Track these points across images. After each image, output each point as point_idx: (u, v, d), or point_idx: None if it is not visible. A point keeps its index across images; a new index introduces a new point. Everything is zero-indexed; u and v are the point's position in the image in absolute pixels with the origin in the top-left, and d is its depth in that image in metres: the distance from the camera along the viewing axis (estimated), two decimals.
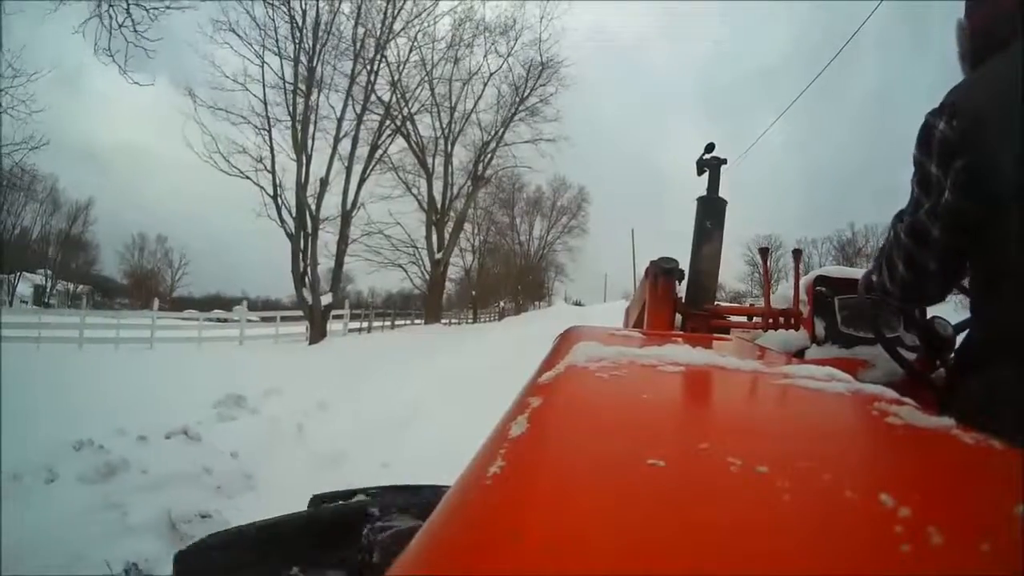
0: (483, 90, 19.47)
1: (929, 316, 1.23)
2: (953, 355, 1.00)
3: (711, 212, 1.88)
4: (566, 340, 0.67)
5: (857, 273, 1.56)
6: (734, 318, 1.97)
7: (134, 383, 6.19)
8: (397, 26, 16.22)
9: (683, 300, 1.86)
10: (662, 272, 1.82)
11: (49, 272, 36.30)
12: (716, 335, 1.56)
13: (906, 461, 0.30)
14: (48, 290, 36.10)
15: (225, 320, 16.28)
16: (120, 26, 8.64)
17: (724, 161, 1.90)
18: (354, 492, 0.89)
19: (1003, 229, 0.71)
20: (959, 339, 1.00)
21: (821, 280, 1.82)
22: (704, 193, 1.90)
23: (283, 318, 14.96)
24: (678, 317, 1.85)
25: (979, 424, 0.33)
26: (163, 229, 42.95)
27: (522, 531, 0.21)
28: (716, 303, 1.93)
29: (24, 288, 34.32)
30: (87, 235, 37.35)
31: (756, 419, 0.40)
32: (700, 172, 1.89)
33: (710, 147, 1.87)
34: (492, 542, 0.20)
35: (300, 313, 14.57)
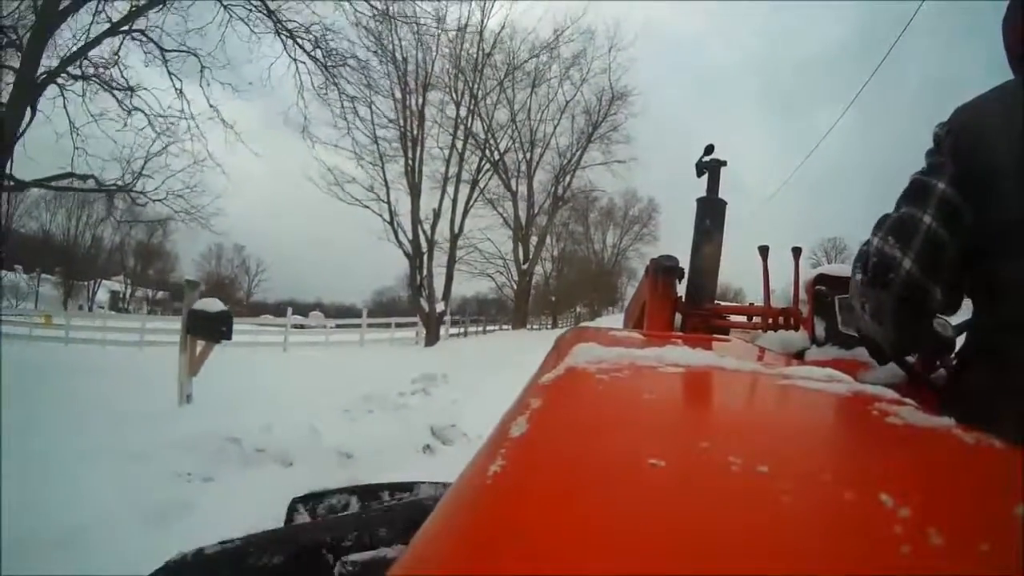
0: (559, 118, 22.12)
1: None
2: (954, 356, 0.99)
3: (711, 213, 1.87)
4: (566, 341, 0.67)
5: None
6: (734, 318, 1.95)
7: (337, 371, 8.57)
8: (489, 79, 18.84)
9: (683, 300, 1.85)
10: (662, 270, 1.82)
11: (128, 280, 38.05)
12: (715, 336, 1.54)
13: (906, 461, 0.30)
14: (127, 297, 38.01)
15: (303, 326, 17.96)
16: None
17: (724, 163, 1.88)
18: (332, 492, 0.90)
19: (1001, 231, 0.71)
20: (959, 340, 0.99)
21: (821, 279, 1.68)
22: (704, 194, 1.89)
23: (397, 324, 17.31)
24: (678, 317, 1.84)
25: (979, 424, 0.32)
26: (238, 239, 44.11)
27: (522, 531, 0.21)
28: (716, 303, 1.91)
29: (101, 294, 36.23)
30: (167, 244, 37.79)
31: (756, 419, 0.40)
32: (700, 174, 1.89)
33: (709, 149, 1.86)
34: (492, 542, 0.20)
35: (413, 319, 17.08)
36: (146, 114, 9.74)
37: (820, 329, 1.67)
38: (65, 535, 2.26)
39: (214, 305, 4.80)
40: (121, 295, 38.47)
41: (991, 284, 0.75)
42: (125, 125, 9.58)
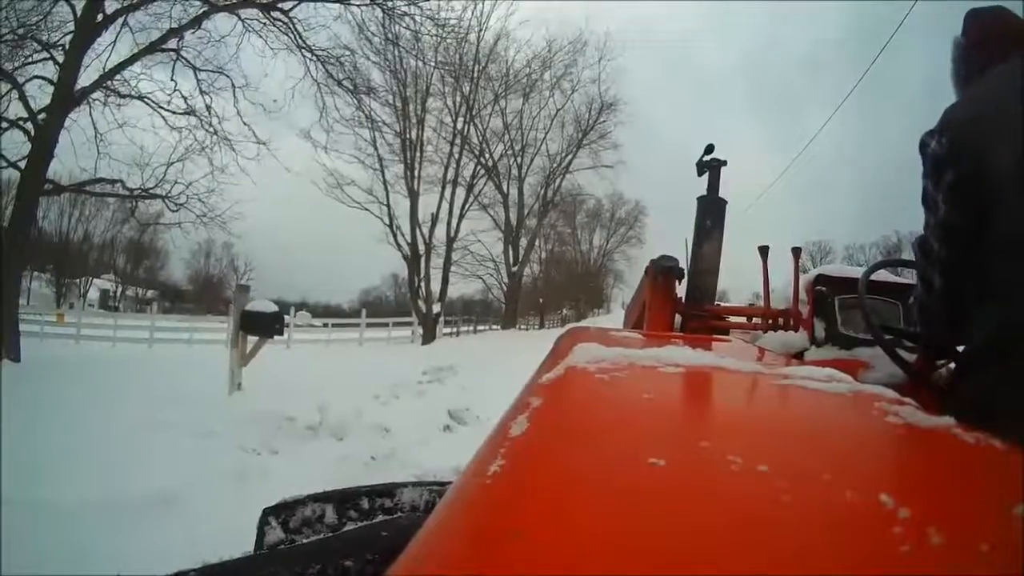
0: (550, 125, 22.85)
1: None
2: (954, 356, 1.00)
3: (711, 212, 1.87)
4: (566, 341, 0.67)
5: (857, 272, 1.48)
6: (734, 318, 1.96)
7: (349, 364, 9.11)
8: (485, 92, 19.67)
9: (683, 300, 1.85)
10: (662, 271, 1.81)
11: (117, 279, 37.77)
12: (715, 336, 1.54)
13: (906, 461, 0.30)
14: (117, 295, 37.84)
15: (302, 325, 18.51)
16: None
17: (724, 163, 1.88)
18: (307, 501, 0.84)
19: (997, 235, 0.72)
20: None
21: (821, 279, 1.68)
22: (704, 193, 1.89)
23: (394, 323, 18.06)
24: (678, 317, 1.83)
25: (979, 424, 0.32)
26: (225, 237, 44.30)
27: (522, 529, 0.21)
28: (716, 303, 1.92)
29: (91, 293, 36.18)
30: (158, 243, 36.29)
31: (756, 419, 0.40)
32: (700, 173, 1.89)
33: (709, 148, 1.86)
34: (492, 540, 0.21)
35: (408, 319, 17.90)
36: (190, 129, 9.92)
37: (819, 329, 1.67)
38: (162, 498, 2.68)
39: (269, 306, 5.57)
40: (111, 293, 38.40)
41: (992, 285, 0.75)
42: (157, 134, 9.80)
